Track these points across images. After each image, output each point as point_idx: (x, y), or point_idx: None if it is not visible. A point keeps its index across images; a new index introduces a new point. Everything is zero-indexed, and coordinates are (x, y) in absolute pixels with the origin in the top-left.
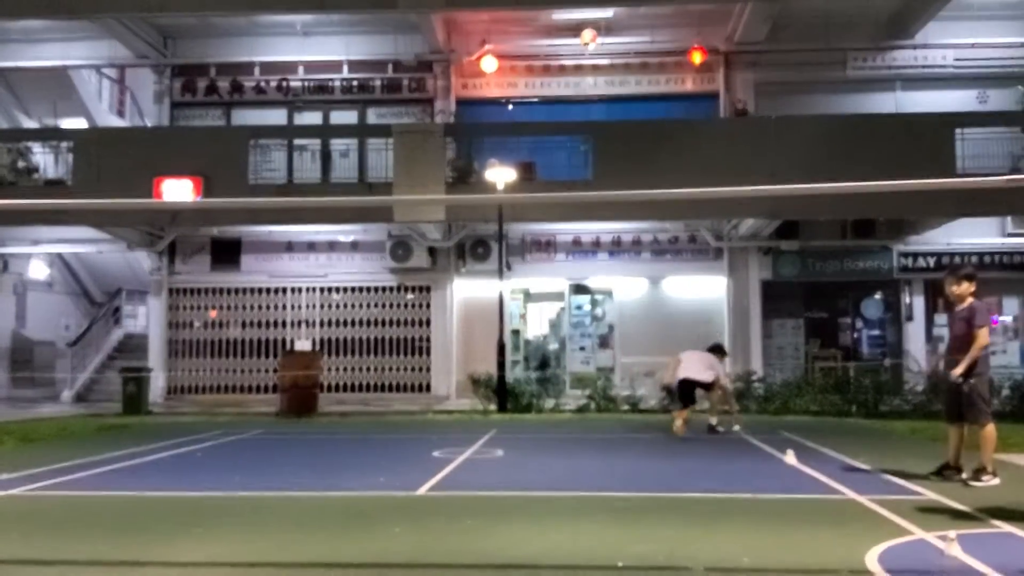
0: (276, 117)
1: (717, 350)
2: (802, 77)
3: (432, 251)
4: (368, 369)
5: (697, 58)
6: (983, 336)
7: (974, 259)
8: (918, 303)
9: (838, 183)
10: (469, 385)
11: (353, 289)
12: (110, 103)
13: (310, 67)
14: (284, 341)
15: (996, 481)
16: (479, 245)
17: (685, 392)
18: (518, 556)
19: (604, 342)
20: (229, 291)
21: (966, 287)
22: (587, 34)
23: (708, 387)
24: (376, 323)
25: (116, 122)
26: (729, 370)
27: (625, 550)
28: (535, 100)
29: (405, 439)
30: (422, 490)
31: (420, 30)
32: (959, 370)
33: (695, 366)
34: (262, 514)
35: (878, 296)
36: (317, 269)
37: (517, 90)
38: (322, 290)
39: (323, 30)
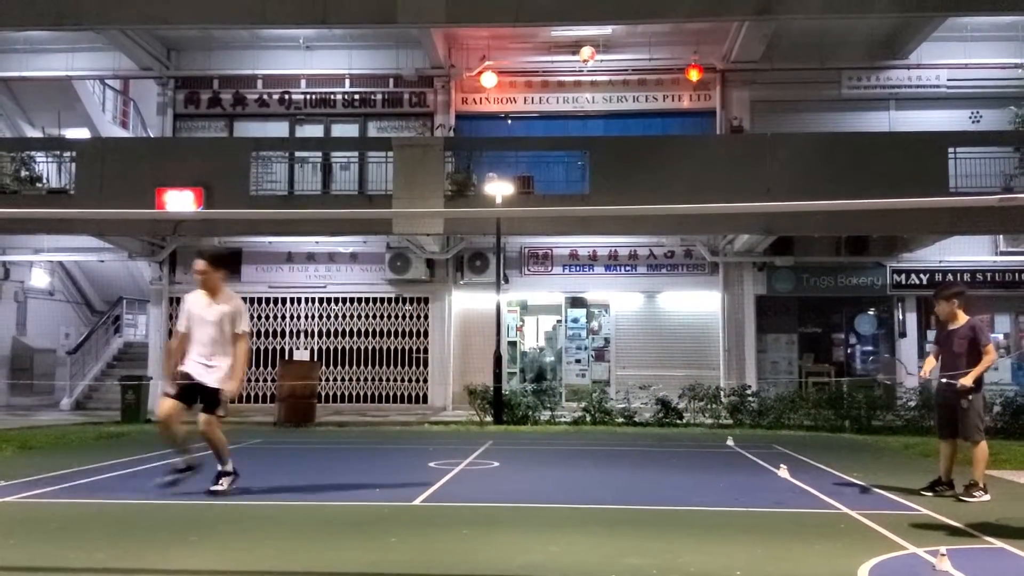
0: (278, 129)
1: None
2: (797, 95)
3: (430, 263)
4: (366, 379)
5: (694, 76)
6: (993, 352)
7: (967, 277)
8: (911, 319)
9: (832, 200)
10: (466, 396)
11: (352, 300)
12: (113, 114)
13: (312, 80)
14: (283, 351)
15: (987, 497)
16: (477, 258)
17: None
18: (513, 567)
19: (600, 355)
20: None
21: (953, 305)
22: (586, 51)
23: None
24: (374, 334)
25: (119, 133)
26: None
27: (618, 562)
28: (534, 115)
29: (402, 449)
30: (418, 500)
31: (421, 45)
32: (968, 380)
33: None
34: (258, 522)
35: (871, 312)
36: (316, 280)
37: (516, 105)
38: (321, 301)
39: (325, 44)
